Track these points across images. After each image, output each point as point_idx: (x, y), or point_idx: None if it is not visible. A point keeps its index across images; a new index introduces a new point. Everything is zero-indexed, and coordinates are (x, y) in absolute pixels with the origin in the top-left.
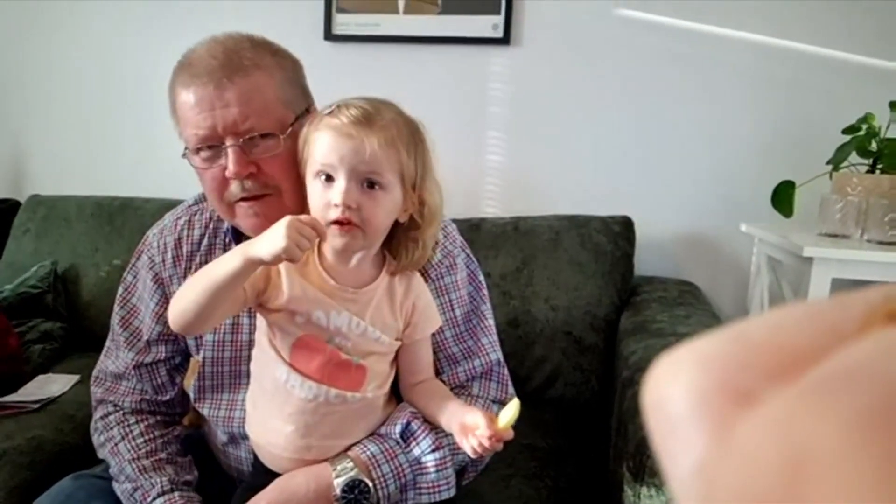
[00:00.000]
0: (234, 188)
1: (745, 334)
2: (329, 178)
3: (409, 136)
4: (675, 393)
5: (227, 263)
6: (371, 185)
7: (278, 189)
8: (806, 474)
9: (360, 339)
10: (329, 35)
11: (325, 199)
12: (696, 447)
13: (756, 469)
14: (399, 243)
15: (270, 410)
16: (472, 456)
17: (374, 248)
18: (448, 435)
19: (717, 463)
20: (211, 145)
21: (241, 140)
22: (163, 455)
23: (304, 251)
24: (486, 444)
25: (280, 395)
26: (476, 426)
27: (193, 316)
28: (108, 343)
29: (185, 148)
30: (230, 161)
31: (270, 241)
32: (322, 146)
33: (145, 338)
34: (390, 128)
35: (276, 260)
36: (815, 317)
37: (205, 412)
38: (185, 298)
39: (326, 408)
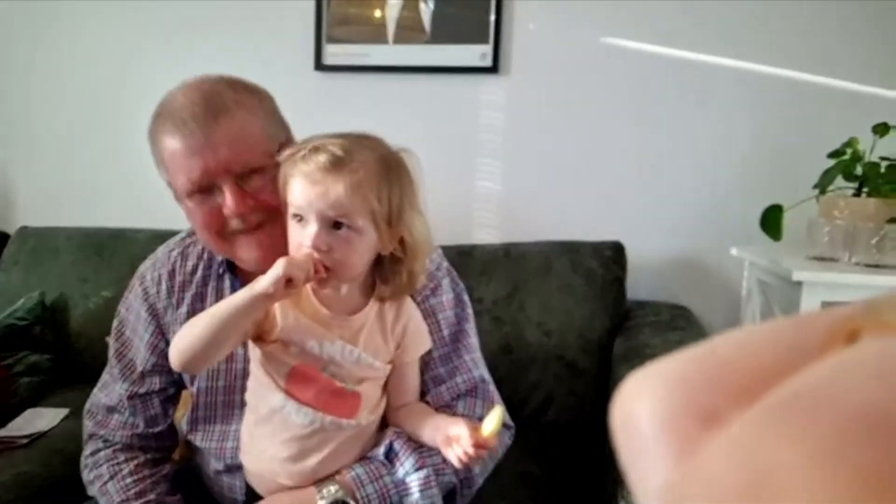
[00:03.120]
0: (234, 223)
1: (712, 353)
2: (301, 219)
3: (381, 177)
4: (641, 412)
5: (234, 301)
6: (341, 226)
7: (276, 213)
8: (769, 498)
9: (353, 367)
10: (319, 65)
11: (298, 240)
12: (661, 467)
13: (720, 491)
14: (385, 272)
15: (266, 438)
16: (458, 466)
17: (361, 277)
18: (432, 454)
19: (682, 483)
20: (203, 188)
21: (233, 176)
22: (152, 496)
23: (304, 275)
24: (471, 452)
25: (276, 422)
26: (459, 437)
27: (199, 353)
28: (103, 376)
29: (175, 193)
30: (229, 200)
31: (271, 272)
32: (294, 190)
33: (139, 369)
34: (358, 171)
35: (279, 287)
36: (781, 335)
37: (197, 443)
38: (191, 336)
39: (322, 434)
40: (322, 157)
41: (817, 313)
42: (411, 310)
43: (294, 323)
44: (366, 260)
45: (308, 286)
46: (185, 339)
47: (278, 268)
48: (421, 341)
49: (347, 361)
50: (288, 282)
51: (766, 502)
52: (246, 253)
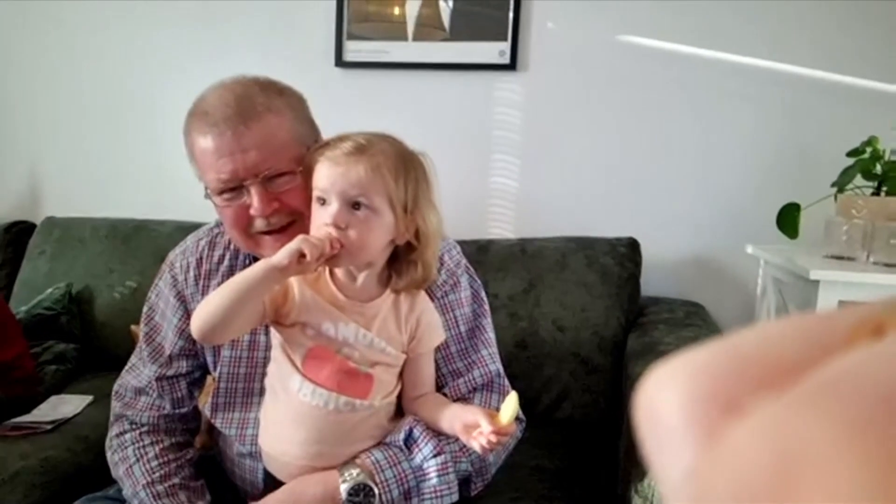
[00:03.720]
0: (259, 223)
1: (736, 346)
2: (324, 202)
3: (398, 164)
4: (666, 402)
5: (250, 272)
6: (360, 206)
7: (301, 216)
8: (797, 475)
9: (366, 350)
10: (340, 62)
11: (319, 220)
12: (686, 454)
13: (748, 470)
14: (400, 264)
15: (284, 419)
16: (480, 452)
17: (378, 267)
18: (450, 441)
19: (709, 466)
20: (232, 187)
21: (260, 179)
22: (176, 480)
23: (318, 255)
24: (493, 439)
25: (293, 404)
26: (477, 424)
27: (217, 321)
28: (132, 359)
29: (206, 188)
30: (255, 201)
31: (287, 246)
32: (318, 174)
33: (167, 353)
34: (377, 156)
35: (293, 261)
36: (804, 330)
37: (220, 427)
38: (210, 304)
39: (336, 415)
40: (346, 145)
41: (840, 309)
42: (425, 303)
43: (311, 303)
44: (382, 243)
45: (326, 272)
46: (204, 308)
47: (294, 242)
48: (434, 334)
49: (361, 344)
50: (301, 258)
51: (796, 481)
52: (269, 253)
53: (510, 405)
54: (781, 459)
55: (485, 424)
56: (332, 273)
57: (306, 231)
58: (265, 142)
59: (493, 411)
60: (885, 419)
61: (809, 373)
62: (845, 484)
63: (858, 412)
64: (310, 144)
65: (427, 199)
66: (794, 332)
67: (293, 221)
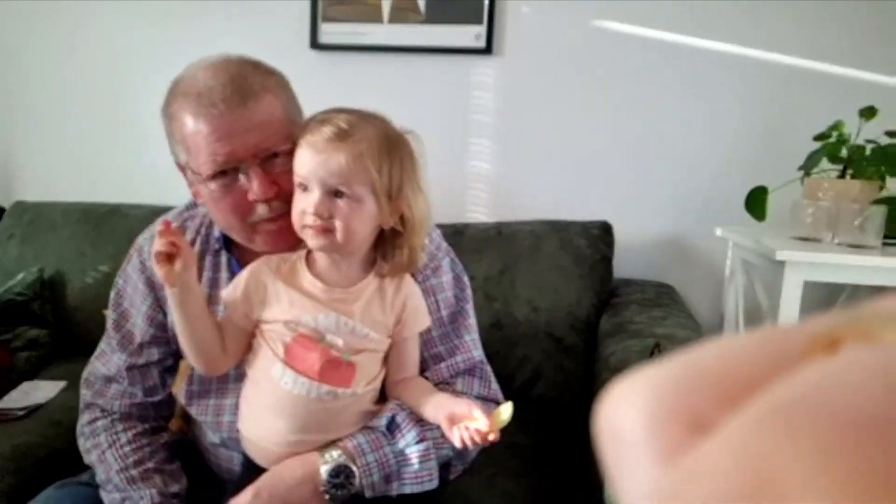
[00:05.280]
0: (261, 210)
1: (696, 361)
2: (305, 189)
3: (382, 151)
4: (626, 419)
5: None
6: (342, 195)
7: None
8: (773, 497)
9: (349, 338)
10: (315, 44)
11: (301, 207)
12: (647, 473)
13: (720, 493)
14: (385, 248)
15: (264, 407)
16: (458, 446)
17: (361, 253)
18: (432, 428)
19: (673, 485)
20: (226, 170)
21: (259, 161)
22: (150, 465)
23: (166, 246)
24: (478, 438)
25: (274, 392)
26: (465, 417)
27: (197, 357)
28: (101, 345)
29: (187, 170)
30: (256, 184)
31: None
32: (299, 159)
33: (138, 340)
34: (360, 143)
35: (160, 267)
36: (763, 345)
37: (194, 415)
38: (185, 348)
39: (318, 404)
40: (327, 129)
41: (798, 323)
42: (411, 286)
43: (288, 302)
44: (366, 231)
45: (302, 262)
46: (188, 354)
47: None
48: (420, 318)
49: (343, 333)
50: (166, 257)
51: (770, 501)
52: (263, 239)
53: (506, 413)
54: (753, 480)
55: (482, 420)
56: (308, 262)
57: None
58: (264, 122)
59: (490, 412)
60: (850, 440)
61: (770, 385)
62: None
63: (825, 431)
64: (300, 124)
65: (413, 184)
66: (753, 347)
67: (289, 209)
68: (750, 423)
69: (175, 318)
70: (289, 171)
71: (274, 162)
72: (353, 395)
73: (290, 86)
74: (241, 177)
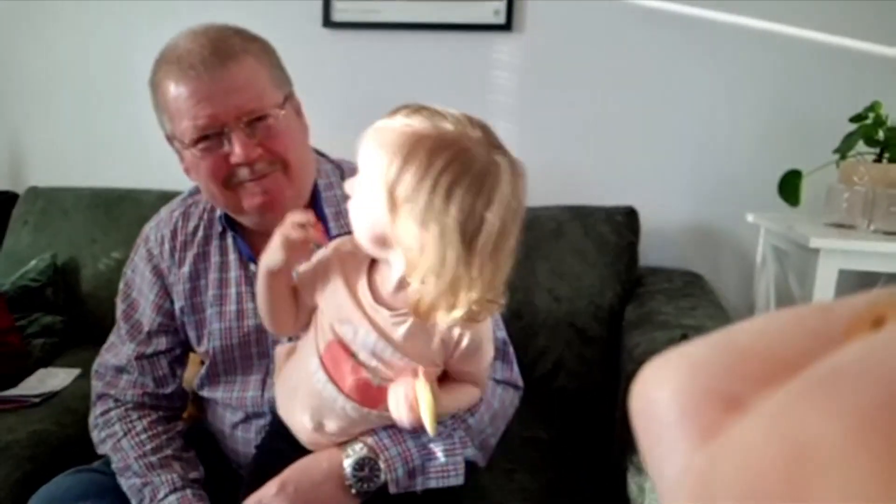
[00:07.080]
0: (243, 173)
1: (732, 340)
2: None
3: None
4: (662, 398)
5: (259, 278)
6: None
7: (285, 163)
8: (809, 471)
9: (381, 365)
10: (328, 22)
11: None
12: (681, 452)
13: (757, 467)
14: None
15: (294, 394)
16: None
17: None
18: (457, 427)
19: (710, 463)
20: (209, 135)
21: (242, 124)
22: (168, 451)
23: (301, 233)
24: (406, 423)
25: (306, 385)
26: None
27: (273, 322)
28: (111, 337)
29: (174, 140)
30: (238, 146)
31: (270, 246)
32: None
33: (146, 329)
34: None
35: (285, 253)
36: (800, 324)
37: (217, 396)
38: (259, 304)
39: (342, 412)
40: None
41: (838, 301)
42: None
43: (337, 305)
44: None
45: (366, 263)
46: (259, 307)
47: (276, 238)
48: (480, 354)
49: (377, 356)
50: (294, 244)
51: (807, 475)
52: (249, 201)
53: (425, 403)
54: (791, 455)
55: (426, 409)
56: (370, 272)
57: (287, 181)
58: (246, 84)
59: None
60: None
61: (809, 366)
62: (860, 481)
63: (869, 405)
64: (286, 92)
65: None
66: (792, 325)
67: (272, 170)
68: (792, 395)
69: (259, 290)
70: (275, 135)
71: (257, 125)
72: (381, 417)
73: (275, 53)
74: (225, 142)
